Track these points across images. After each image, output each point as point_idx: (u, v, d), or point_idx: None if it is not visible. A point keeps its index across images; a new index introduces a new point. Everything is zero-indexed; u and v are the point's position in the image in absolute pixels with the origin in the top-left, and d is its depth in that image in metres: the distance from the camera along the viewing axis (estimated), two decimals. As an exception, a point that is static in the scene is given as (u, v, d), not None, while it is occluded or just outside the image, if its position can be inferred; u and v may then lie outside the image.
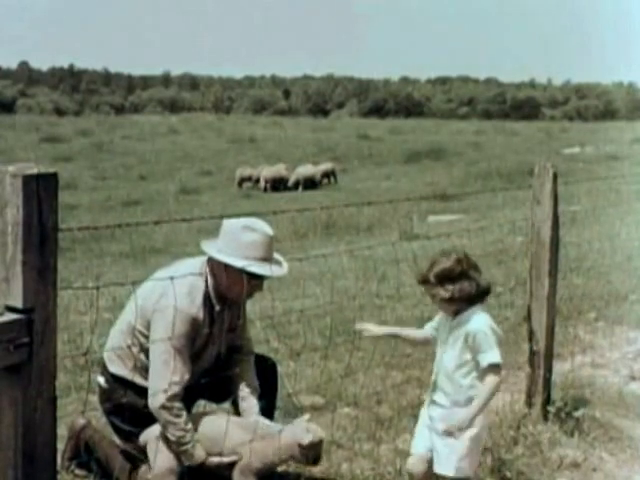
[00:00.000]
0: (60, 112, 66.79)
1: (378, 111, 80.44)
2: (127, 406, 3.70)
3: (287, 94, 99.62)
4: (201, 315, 3.59)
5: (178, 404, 3.48)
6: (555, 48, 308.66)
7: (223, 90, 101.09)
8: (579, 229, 9.92)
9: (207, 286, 3.64)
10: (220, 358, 3.87)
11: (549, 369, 4.66)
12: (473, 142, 35.10)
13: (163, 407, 3.46)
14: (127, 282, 3.58)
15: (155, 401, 3.48)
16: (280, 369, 4.13)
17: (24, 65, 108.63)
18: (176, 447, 3.50)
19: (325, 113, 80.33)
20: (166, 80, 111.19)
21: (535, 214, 4.76)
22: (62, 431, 3.72)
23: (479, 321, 3.41)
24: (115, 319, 3.91)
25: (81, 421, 4.01)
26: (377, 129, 42.08)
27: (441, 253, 3.58)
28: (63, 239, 2.39)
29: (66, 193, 19.28)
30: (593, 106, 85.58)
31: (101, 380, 3.82)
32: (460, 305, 3.42)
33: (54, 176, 2.31)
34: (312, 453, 3.45)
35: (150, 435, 3.62)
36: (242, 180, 25.38)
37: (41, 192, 2.26)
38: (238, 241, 3.56)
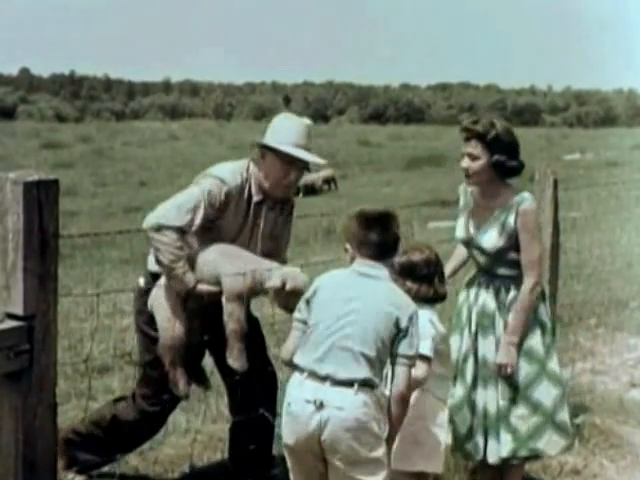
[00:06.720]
0: (61, 118, 66.58)
1: (378, 117, 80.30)
2: None
3: (287, 100, 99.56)
4: (237, 194, 3.63)
5: (173, 234, 3.44)
6: (555, 54, 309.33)
7: (224, 96, 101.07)
8: (579, 235, 9.90)
9: (248, 172, 3.70)
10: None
11: (549, 376, 4.65)
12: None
13: (156, 228, 3.45)
14: (127, 288, 3.57)
15: (151, 219, 3.47)
16: (280, 376, 4.12)
17: (25, 71, 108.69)
18: (167, 272, 3.48)
19: (325, 119, 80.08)
20: (167, 86, 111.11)
21: (535, 220, 4.75)
22: (62, 438, 3.70)
23: (421, 313, 3.38)
24: (116, 325, 3.90)
25: (64, 430, 3.87)
26: (377, 135, 41.97)
27: (417, 246, 3.57)
28: (64, 246, 2.39)
29: (67, 199, 19.20)
30: (593, 112, 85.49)
31: (141, 281, 3.83)
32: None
33: (55, 183, 2.32)
34: (292, 300, 3.32)
35: (155, 299, 3.62)
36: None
37: (42, 199, 2.27)
38: (276, 127, 3.68)
